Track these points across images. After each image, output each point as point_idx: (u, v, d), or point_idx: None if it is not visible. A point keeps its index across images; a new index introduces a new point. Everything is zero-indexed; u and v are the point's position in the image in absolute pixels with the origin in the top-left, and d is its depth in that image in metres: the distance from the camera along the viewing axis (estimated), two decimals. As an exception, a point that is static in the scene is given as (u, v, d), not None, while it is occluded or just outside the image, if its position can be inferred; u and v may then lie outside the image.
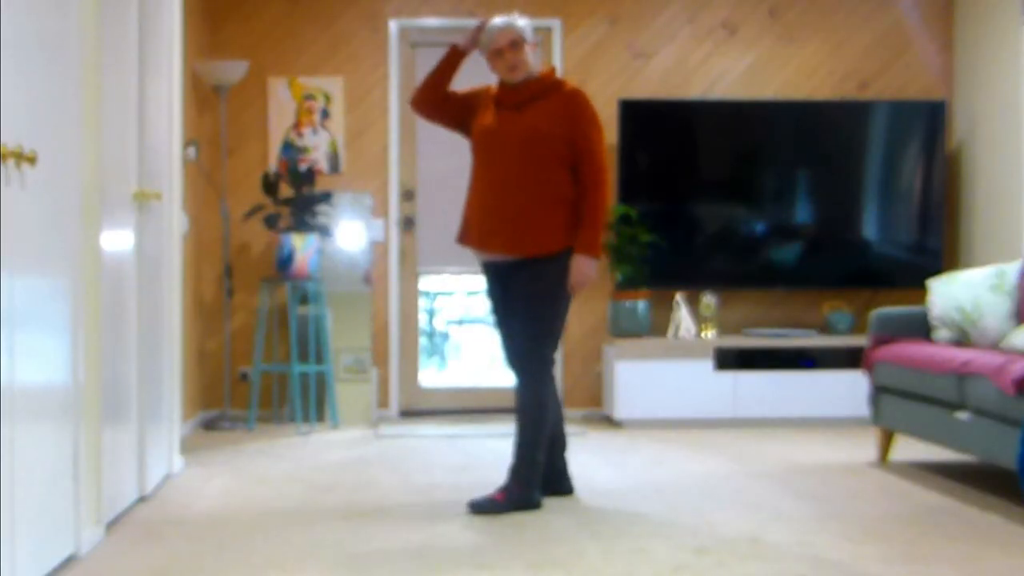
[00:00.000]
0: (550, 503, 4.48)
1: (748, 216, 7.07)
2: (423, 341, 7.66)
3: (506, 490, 4.36)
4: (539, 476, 4.41)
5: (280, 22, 7.05)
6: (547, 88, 4.52)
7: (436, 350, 8.64)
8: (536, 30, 7.07)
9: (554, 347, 4.46)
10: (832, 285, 7.09)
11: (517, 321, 4.46)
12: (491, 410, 7.17)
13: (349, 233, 6.93)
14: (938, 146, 6.98)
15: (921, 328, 5.41)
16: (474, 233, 4.53)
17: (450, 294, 8.77)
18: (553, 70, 4.66)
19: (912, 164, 7.06)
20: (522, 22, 4.56)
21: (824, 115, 7.10)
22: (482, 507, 4.31)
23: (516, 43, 4.51)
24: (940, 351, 4.97)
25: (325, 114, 7.04)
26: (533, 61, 4.56)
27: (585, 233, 4.39)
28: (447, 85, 4.66)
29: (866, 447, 5.77)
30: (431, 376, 7.88)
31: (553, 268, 4.40)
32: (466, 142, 7.08)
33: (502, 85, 4.62)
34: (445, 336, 8.76)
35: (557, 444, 4.60)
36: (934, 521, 4.21)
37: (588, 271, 4.39)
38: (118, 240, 4.18)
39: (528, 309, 4.43)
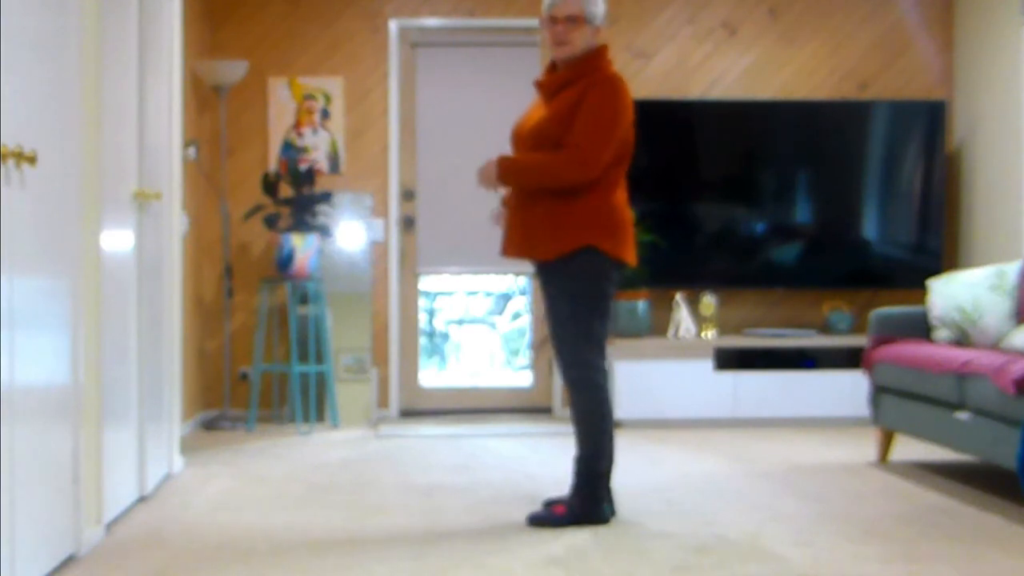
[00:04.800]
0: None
1: (748, 216, 7.07)
2: (423, 341, 7.66)
3: (567, 504, 4.12)
4: (603, 489, 4.12)
5: (280, 22, 7.05)
6: (582, 73, 4.12)
7: (436, 350, 8.64)
8: (536, 30, 7.11)
9: (592, 351, 4.09)
10: (832, 285, 7.08)
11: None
12: (491, 410, 7.17)
13: (349, 233, 6.93)
14: (938, 146, 6.98)
15: (921, 328, 5.41)
16: (503, 241, 4.30)
17: (450, 294, 8.77)
18: (599, 53, 4.17)
19: (912, 164, 7.05)
20: (593, 2, 4.16)
21: (824, 115, 7.10)
22: (540, 520, 4.09)
23: (574, 18, 4.10)
24: (940, 351, 4.96)
25: (325, 114, 7.04)
26: (586, 45, 4.12)
27: (518, 160, 4.15)
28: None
29: (866, 447, 5.77)
30: (431, 376, 7.88)
31: (565, 271, 4.12)
32: (464, 142, 7.13)
33: (548, 67, 4.27)
34: (445, 336, 8.77)
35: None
36: (934, 521, 4.20)
37: (485, 170, 4.13)
38: (118, 240, 4.18)
39: (552, 316, 4.17)
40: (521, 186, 4.18)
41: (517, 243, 4.22)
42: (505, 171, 4.13)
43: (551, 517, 4.10)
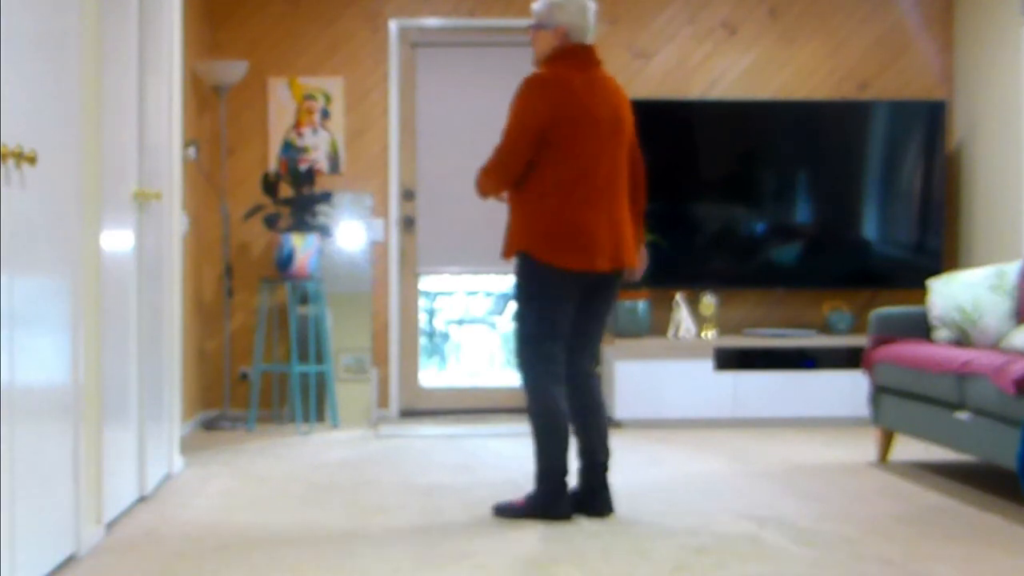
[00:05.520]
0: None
1: (748, 216, 7.07)
2: (423, 341, 7.65)
3: (528, 496, 4.25)
4: (559, 484, 4.19)
5: (280, 22, 7.05)
6: None
7: (436, 350, 8.64)
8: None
9: (530, 351, 4.22)
10: (832, 285, 7.08)
11: None
12: (491, 410, 7.17)
13: (349, 233, 6.93)
14: (938, 146, 6.98)
15: (921, 328, 5.41)
16: None
17: (450, 294, 8.77)
18: (555, 54, 4.26)
19: (912, 164, 7.05)
20: (542, 1, 4.29)
21: (824, 115, 7.10)
22: (502, 510, 4.26)
23: (532, 26, 4.33)
24: (940, 351, 4.96)
25: (325, 114, 7.04)
26: (545, 49, 4.27)
27: (479, 171, 4.33)
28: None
29: (866, 447, 5.77)
30: (431, 376, 7.88)
31: (516, 270, 4.28)
32: (464, 142, 7.13)
33: None
34: (445, 336, 8.77)
35: (593, 461, 4.32)
36: (934, 521, 4.20)
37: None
38: (118, 240, 4.18)
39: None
40: (487, 193, 4.37)
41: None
42: (476, 184, 4.36)
43: (510, 508, 4.24)
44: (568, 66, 4.23)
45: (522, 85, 4.22)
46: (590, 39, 4.30)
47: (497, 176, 4.24)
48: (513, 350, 4.33)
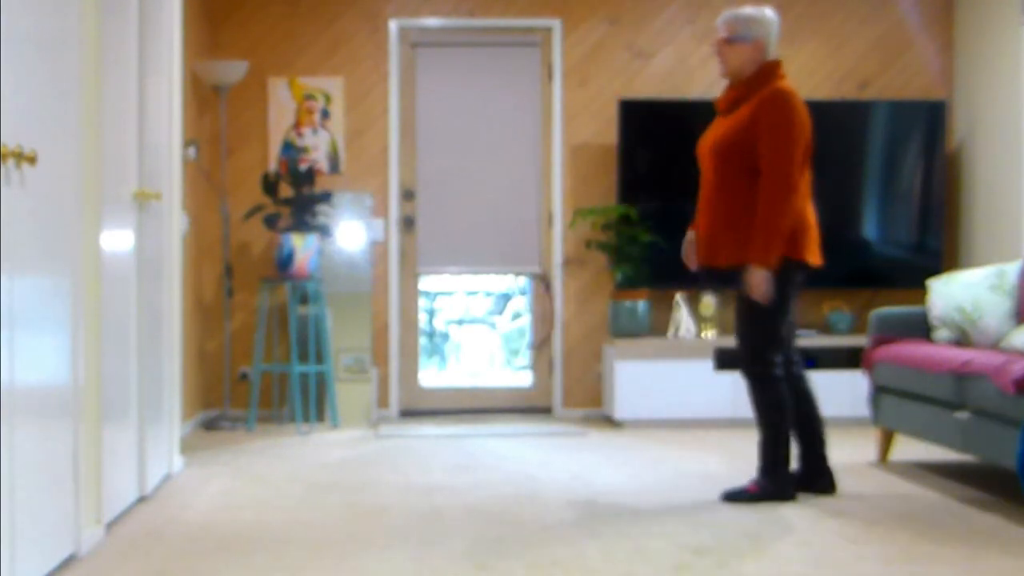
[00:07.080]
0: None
1: (748, 216, 7.06)
2: (423, 341, 7.66)
3: (757, 483, 4.53)
4: (785, 471, 4.55)
5: (280, 22, 7.05)
6: (751, 89, 4.46)
7: (436, 350, 8.65)
8: (536, 30, 7.12)
9: (771, 350, 4.48)
10: (832, 285, 7.08)
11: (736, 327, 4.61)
12: (491, 410, 7.17)
13: (349, 233, 6.93)
14: (938, 146, 6.98)
15: (921, 328, 5.41)
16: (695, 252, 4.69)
17: (450, 294, 8.78)
18: (767, 69, 4.50)
19: (912, 164, 7.05)
20: (735, 15, 4.51)
21: (824, 115, 7.05)
22: (734, 496, 4.50)
23: (726, 40, 4.50)
24: (940, 351, 4.96)
25: (325, 114, 7.04)
26: (745, 63, 4.48)
27: (753, 243, 4.38)
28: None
29: (866, 447, 5.77)
30: (431, 376, 7.89)
31: (744, 277, 4.44)
32: (464, 142, 7.13)
33: (726, 87, 4.63)
34: (445, 336, 8.77)
35: (813, 441, 4.70)
36: (934, 521, 4.21)
37: (755, 281, 4.37)
38: (118, 240, 4.18)
39: (738, 317, 4.54)
40: (779, 246, 4.36)
41: (703, 252, 4.59)
42: (764, 258, 4.35)
43: (743, 494, 4.50)
44: (781, 78, 4.50)
45: (779, 100, 4.38)
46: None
47: (786, 191, 4.34)
48: (750, 349, 4.53)
